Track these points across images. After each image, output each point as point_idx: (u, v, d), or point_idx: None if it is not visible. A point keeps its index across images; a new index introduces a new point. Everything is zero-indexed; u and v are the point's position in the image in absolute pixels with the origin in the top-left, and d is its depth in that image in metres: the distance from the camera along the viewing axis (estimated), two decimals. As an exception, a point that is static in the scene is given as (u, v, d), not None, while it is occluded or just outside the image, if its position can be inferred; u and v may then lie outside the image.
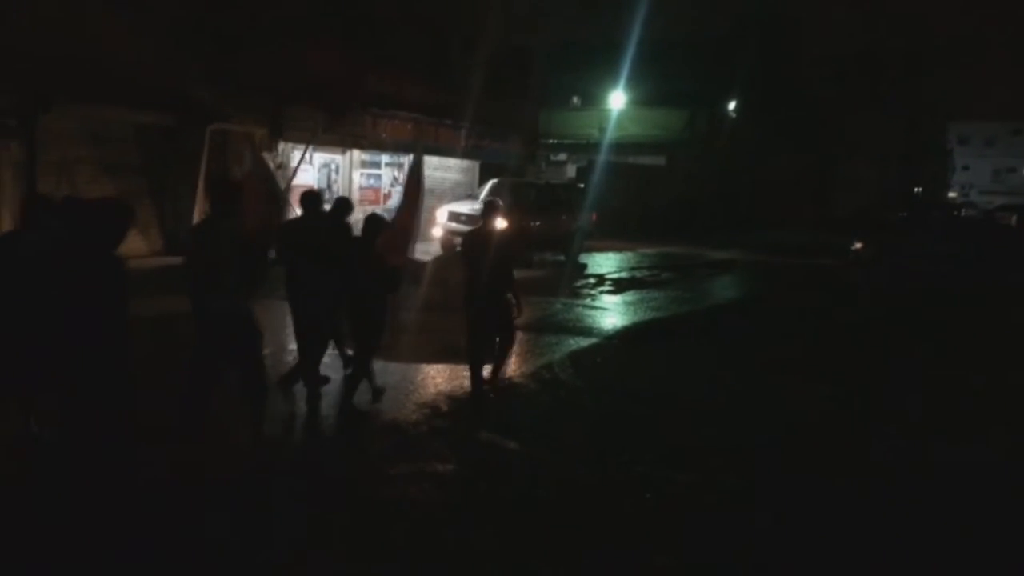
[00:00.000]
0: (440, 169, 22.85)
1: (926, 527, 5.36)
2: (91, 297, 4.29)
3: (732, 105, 35.29)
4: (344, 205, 7.12)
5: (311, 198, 7.04)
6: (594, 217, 21.06)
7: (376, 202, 19.89)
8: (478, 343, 7.40)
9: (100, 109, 12.38)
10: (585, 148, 32.19)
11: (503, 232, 7.74)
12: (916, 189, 48.92)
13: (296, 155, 17.91)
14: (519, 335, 8.64)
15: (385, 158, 21.00)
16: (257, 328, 5.75)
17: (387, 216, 7.49)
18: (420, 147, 9.83)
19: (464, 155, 21.80)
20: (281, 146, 16.77)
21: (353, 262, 6.64)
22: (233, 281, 5.41)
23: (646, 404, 7.93)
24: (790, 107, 38.09)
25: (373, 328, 6.79)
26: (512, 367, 8.85)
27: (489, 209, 7.62)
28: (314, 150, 18.32)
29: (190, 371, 5.59)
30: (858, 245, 21.10)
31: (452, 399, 7.61)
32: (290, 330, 7.34)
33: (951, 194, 61.94)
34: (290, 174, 17.65)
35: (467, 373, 7.56)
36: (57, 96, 11.62)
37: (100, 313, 4.32)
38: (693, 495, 5.67)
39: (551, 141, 32.14)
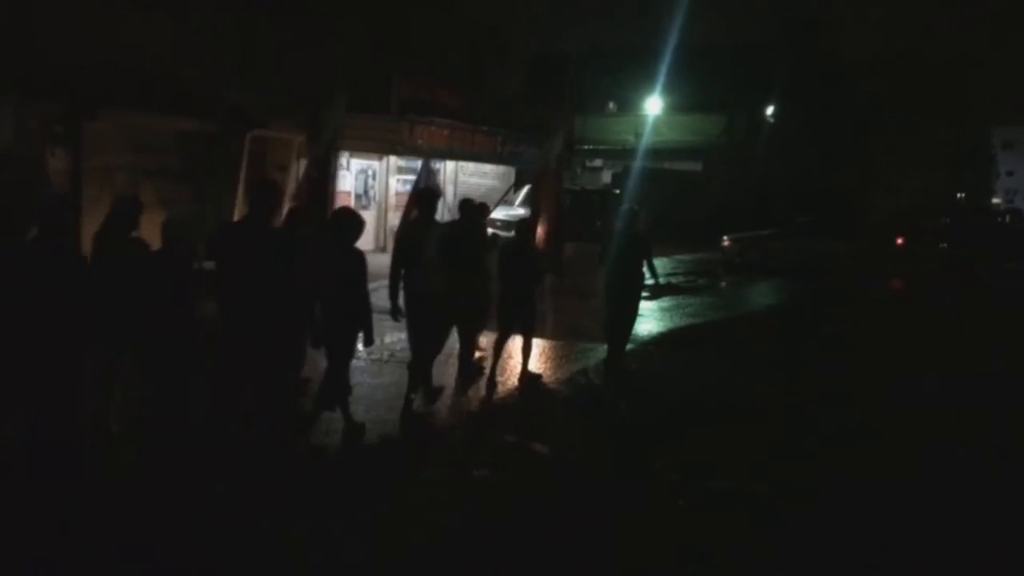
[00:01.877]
0: (476, 175, 22.92)
1: (965, 543, 5.28)
2: (346, 278, 5.97)
3: (770, 110, 34.95)
4: (484, 209, 8.55)
5: (467, 205, 8.27)
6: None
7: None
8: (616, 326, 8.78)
9: (143, 116, 12.58)
10: (621, 154, 32.12)
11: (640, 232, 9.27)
12: (959, 195, 48.03)
13: (334, 161, 18.07)
14: (556, 341, 8.89)
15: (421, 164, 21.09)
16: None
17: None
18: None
19: (500, 161, 21.83)
20: (319, 152, 16.93)
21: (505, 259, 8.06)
22: (437, 269, 6.94)
23: (680, 410, 7.90)
24: (829, 111, 37.61)
25: (530, 316, 8.09)
26: (548, 372, 8.90)
27: (632, 215, 9.24)
28: (351, 156, 18.49)
29: (413, 342, 7.06)
30: (727, 242, 21.04)
31: (482, 401, 7.66)
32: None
33: (995, 200, 60.74)
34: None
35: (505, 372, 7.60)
36: (102, 104, 11.84)
37: (350, 290, 5.99)
38: (725, 502, 5.64)
39: (587, 147, 32.10)
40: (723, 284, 18.42)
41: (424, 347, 7.14)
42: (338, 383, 6.26)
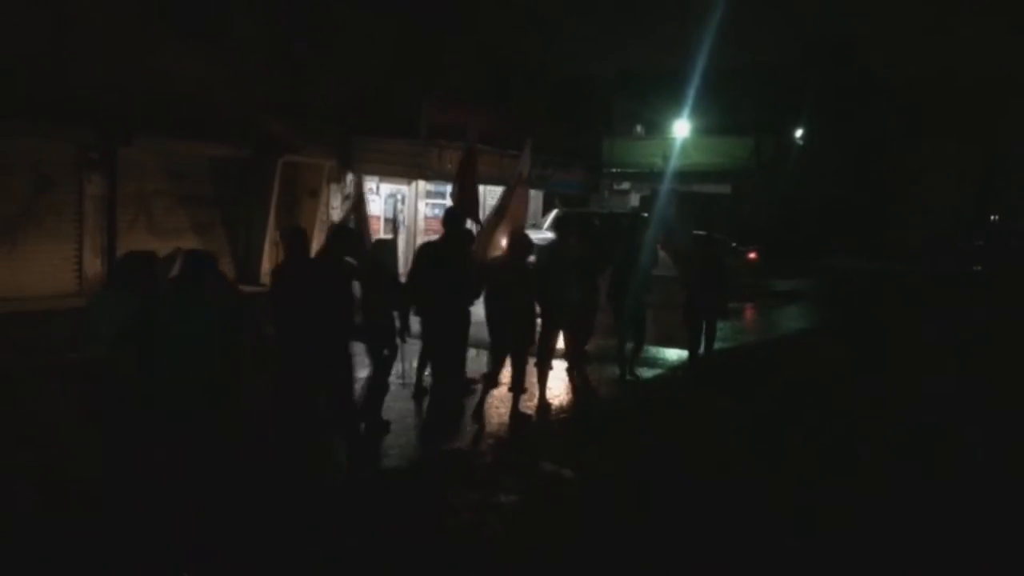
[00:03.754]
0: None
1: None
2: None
3: (799, 132, 34.77)
4: (594, 228, 10.04)
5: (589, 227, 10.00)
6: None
7: (440, 231, 20.06)
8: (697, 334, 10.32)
9: (178, 143, 12.79)
10: (649, 177, 32.04)
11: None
12: (992, 217, 47.45)
13: (365, 186, 18.23)
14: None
15: (450, 188, 21.15)
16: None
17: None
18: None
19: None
20: (349, 177, 17.09)
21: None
22: (576, 284, 8.37)
23: (710, 441, 7.83)
24: (860, 133, 37.36)
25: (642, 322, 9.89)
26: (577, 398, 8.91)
27: (707, 243, 11.52)
28: (380, 181, 18.65)
29: (539, 347, 8.18)
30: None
31: (513, 428, 7.65)
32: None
33: (1029, 221, 59.85)
34: (362, 205, 17.99)
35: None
36: (137, 130, 12.05)
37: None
38: (767, 542, 5.59)
39: (614, 170, 32.05)
40: None
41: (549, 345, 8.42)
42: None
